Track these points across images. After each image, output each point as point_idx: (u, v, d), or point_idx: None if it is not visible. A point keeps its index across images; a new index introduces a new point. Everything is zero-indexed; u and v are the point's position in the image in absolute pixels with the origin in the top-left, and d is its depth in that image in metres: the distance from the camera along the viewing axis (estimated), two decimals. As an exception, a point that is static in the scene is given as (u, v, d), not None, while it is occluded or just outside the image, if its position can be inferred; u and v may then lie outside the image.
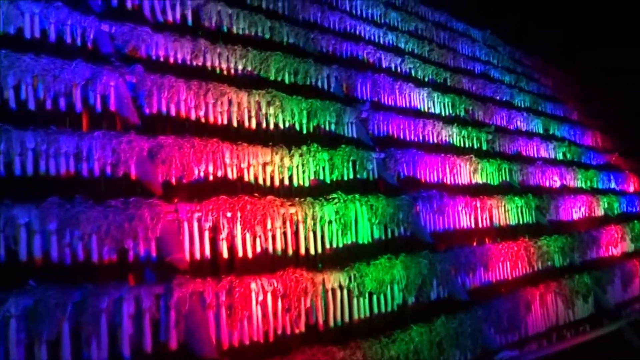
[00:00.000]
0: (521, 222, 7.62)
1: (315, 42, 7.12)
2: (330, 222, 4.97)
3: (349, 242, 5.13)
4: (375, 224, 5.39)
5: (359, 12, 8.76)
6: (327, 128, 6.11)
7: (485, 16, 13.50)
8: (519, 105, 11.03)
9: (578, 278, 6.94)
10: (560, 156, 10.50)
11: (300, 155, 5.21)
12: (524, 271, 6.67)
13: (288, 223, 4.64)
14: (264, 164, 4.94)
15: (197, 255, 3.95)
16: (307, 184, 5.27)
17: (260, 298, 3.86)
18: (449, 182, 7.09)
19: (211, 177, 4.49)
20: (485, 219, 6.97)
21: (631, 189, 12.05)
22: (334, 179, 5.54)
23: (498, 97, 10.52)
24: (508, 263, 6.42)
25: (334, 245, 4.99)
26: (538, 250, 6.89)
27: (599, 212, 9.69)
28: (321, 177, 5.44)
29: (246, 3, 6.72)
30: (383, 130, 6.83)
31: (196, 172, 4.37)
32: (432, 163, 6.86)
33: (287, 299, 4.01)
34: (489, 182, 7.84)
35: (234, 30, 6.21)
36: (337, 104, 6.21)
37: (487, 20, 13.26)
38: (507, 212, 7.37)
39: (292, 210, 4.67)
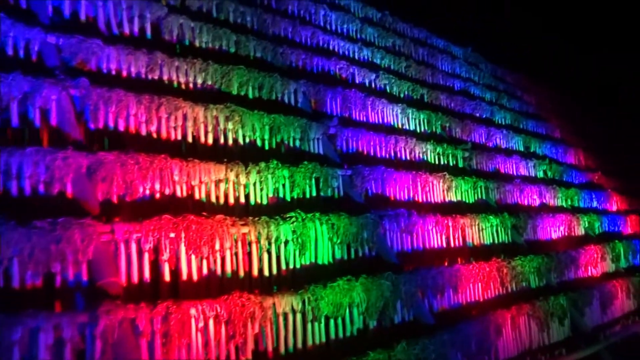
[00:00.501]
0: (496, 241, 7.43)
1: (284, 57, 6.97)
2: (286, 242, 4.76)
3: (308, 263, 4.91)
4: (337, 243, 5.19)
5: (333, 28, 8.65)
6: (292, 144, 5.92)
7: (468, 33, 13.50)
8: (500, 122, 10.92)
9: (553, 300, 6.73)
10: (540, 174, 10.36)
11: (258, 172, 5.01)
12: (497, 292, 6.46)
13: (240, 243, 4.43)
14: (218, 181, 4.73)
15: (135, 279, 3.72)
16: (265, 202, 5.07)
17: (201, 324, 3.62)
18: (420, 200, 6.90)
19: (158, 196, 4.28)
20: (458, 238, 6.78)
21: (614, 208, 11.92)
22: (295, 197, 5.34)
23: (478, 114, 10.41)
24: (479, 284, 6.21)
25: (291, 267, 4.77)
26: (512, 270, 6.69)
27: (579, 231, 9.52)
28: (281, 195, 5.23)
29: (212, 17, 6.59)
30: (352, 146, 6.65)
31: (141, 190, 4.16)
32: (403, 180, 6.68)
33: (232, 324, 3.77)
34: (464, 200, 7.66)
35: (197, 43, 6.05)
36: (302, 119, 6.03)
37: (470, 37, 13.25)
38: (481, 231, 7.18)
39: (245, 229, 4.46)
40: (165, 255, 3.86)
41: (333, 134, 6.45)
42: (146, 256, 3.80)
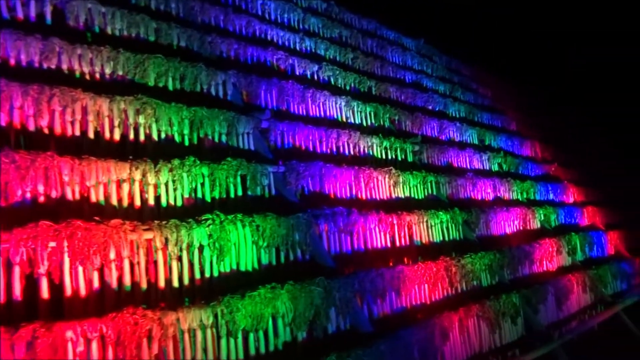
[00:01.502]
0: (447, 238, 7.06)
1: (213, 46, 6.44)
2: (202, 247, 4.24)
3: (228, 270, 4.40)
4: (264, 247, 4.69)
5: (272, 17, 8.15)
6: (217, 139, 5.40)
7: (422, 25, 13.19)
8: (453, 115, 10.61)
9: (505, 298, 6.38)
10: (495, 167, 10.07)
11: (170, 170, 4.47)
12: (445, 294, 6.07)
13: (143, 251, 3.89)
14: (121, 182, 4.18)
15: (1, 298, 3.14)
16: (180, 204, 4.53)
17: (80, 349, 3.07)
18: (364, 197, 6.47)
19: (42, 199, 3.70)
20: (404, 236, 6.37)
21: (570, 200, 11.76)
22: (217, 197, 4.82)
23: (430, 107, 10.07)
24: (426, 286, 5.80)
25: (207, 275, 4.25)
26: (461, 269, 6.31)
27: (535, 224, 9.27)
28: (200, 195, 4.70)
29: (130, 2, 6.00)
30: (288, 141, 6.17)
31: (19, 193, 3.58)
32: (344, 176, 6.23)
33: (122, 346, 3.23)
34: (412, 196, 7.27)
35: (109, 31, 5.46)
36: (229, 112, 5.51)
37: (424, 29, 12.95)
38: (430, 228, 6.79)
39: (148, 235, 3.92)
40: (42, 268, 3.29)
41: (265, 128, 5.95)
42: (17, 270, 3.23)
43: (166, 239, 4.00)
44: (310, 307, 4.40)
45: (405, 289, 5.49)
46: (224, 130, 5.45)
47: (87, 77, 4.85)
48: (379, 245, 5.96)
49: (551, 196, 11.04)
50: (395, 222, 6.21)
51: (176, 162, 4.51)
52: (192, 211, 4.49)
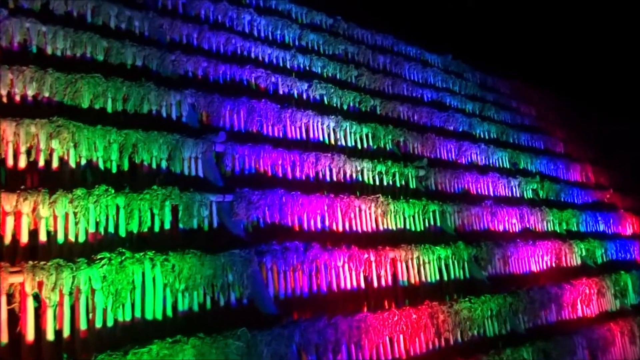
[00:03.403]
0: (446, 278, 6.04)
1: (176, 65, 5.94)
2: (93, 291, 3.62)
3: (129, 319, 3.74)
4: (181, 290, 4.00)
5: (262, 34, 7.60)
6: (154, 165, 4.82)
7: (455, 40, 12.23)
8: (481, 136, 9.53)
9: (510, 353, 5.27)
10: (529, 194, 8.86)
11: (71, 201, 3.91)
12: (431, 346, 5.06)
13: (14, 297, 3.32)
14: (4, 214, 3.66)
15: None
16: (82, 240, 3.95)
17: None
18: (340, 229, 5.63)
19: None
20: (385, 276, 5.45)
21: (628, 232, 10.19)
22: (135, 231, 4.20)
23: (451, 127, 9.06)
24: (402, 337, 4.84)
25: (98, 325, 3.60)
26: (453, 316, 5.27)
27: (573, 261, 7.94)
28: (111, 230, 4.10)
29: (85, 22, 5.65)
30: (250, 166, 5.49)
31: None
32: (314, 206, 5.44)
33: None
34: (409, 227, 6.33)
35: (49, 50, 5.10)
36: (171, 135, 4.93)
37: (457, 44, 11.99)
38: (422, 266, 5.81)
39: (16, 279, 3.35)
40: None
41: (221, 152, 5.32)
42: None
43: (43, 283, 3.42)
44: (223, 366, 3.63)
45: (370, 342, 4.56)
46: (164, 155, 4.87)
47: (4, 99, 4.45)
48: (349, 286, 5.09)
49: (601, 227, 9.59)
50: (372, 258, 5.32)
51: (79, 192, 3.95)
52: (98, 248, 3.89)
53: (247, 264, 4.33)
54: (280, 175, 5.71)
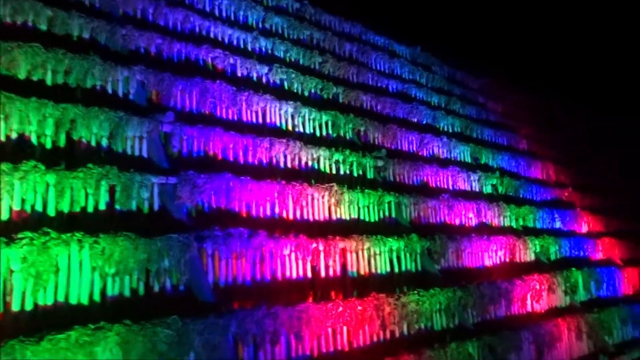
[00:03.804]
0: (397, 270, 5.98)
1: (127, 40, 5.68)
2: (12, 272, 3.41)
3: (51, 303, 3.54)
4: (111, 275, 3.81)
5: (224, 14, 7.37)
6: (94, 142, 4.59)
7: (426, 33, 12.15)
8: (445, 129, 9.50)
9: (456, 347, 5.24)
10: (488, 189, 8.87)
11: (-6, 176, 3.68)
12: (375, 339, 4.99)
13: None
14: None
15: None
16: (5, 217, 3.73)
17: None
18: (290, 217, 5.50)
19: None
20: (334, 266, 5.35)
21: (583, 230, 10.33)
22: (66, 211, 3.99)
23: (415, 119, 9.01)
24: (345, 328, 4.76)
25: (16, 309, 3.40)
26: (400, 309, 5.21)
27: (527, 256, 8.00)
28: (40, 208, 3.88)
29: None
30: (199, 149, 5.30)
31: None
32: (264, 192, 5.29)
33: None
34: (363, 218, 6.24)
35: (-15, 16, 4.80)
36: (114, 112, 4.70)
37: (429, 37, 11.91)
38: (373, 257, 5.74)
39: None
40: None
41: (168, 133, 5.11)
42: None
43: (-47, 262, 3.20)
44: (150, 355, 3.47)
45: (311, 333, 4.46)
46: (106, 132, 4.64)
47: None
48: (295, 276, 4.97)
49: (557, 224, 9.69)
50: (321, 248, 5.21)
51: (4, 166, 3.72)
52: (22, 227, 3.67)
53: (185, 249, 4.17)
54: (232, 159, 5.54)
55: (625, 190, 13.23)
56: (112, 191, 4.30)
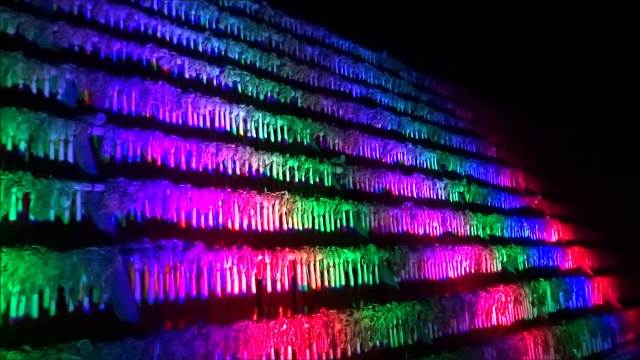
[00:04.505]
0: (352, 284, 5.62)
1: (59, 37, 5.26)
2: None
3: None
4: (15, 293, 3.38)
5: (173, 14, 6.99)
6: (10, 146, 4.16)
7: (391, 37, 11.92)
8: (410, 135, 9.23)
9: (412, 366, 4.90)
10: (455, 197, 8.60)
11: None
12: (324, 359, 4.62)
13: None
14: None
15: None
16: None
17: None
18: (236, 228, 5.12)
19: None
20: (282, 280, 4.97)
21: (553, 238, 10.14)
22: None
23: (379, 125, 8.71)
24: (289, 348, 4.37)
25: None
26: (353, 325, 4.85)
27: (494, 267, 7.72)
28: None
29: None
30: (134, 154, 4.89)
31: None
32: (206, 201, 4.90)
33: None
34: (318, 228, 5.88)
35: None
36: (34, 114, 4.28)
37: (393, 41, 11.68)
38: (326, 270, 5.37)
39: None
40: None
41: (100, 136, 4.70)
42: None
43: None
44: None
45: (250, 354, 4.07)
46: (25, 135, 4.22)
47: None
48: (237, 291, 4.58)
49: (526, 233, 9.47)
50: (268, 260, 4.83)
51: None
52: None
53: (106, 264, 3.75)
54: (173, 165, 5.14)
55: (595, 198, 13.16)
56: (27, 200, 3.87)
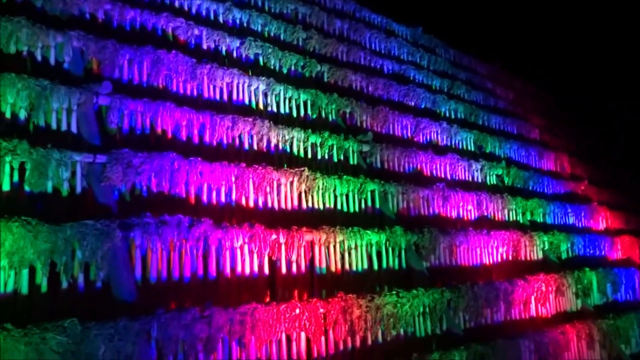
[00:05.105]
0: (376, 268, 5.23)
1: (69, 4, 5.01)
2: None
3: None
4: (1, 268, 3.16)
5: (194, -17, 6.68)
6: (9, 114, 3.94)
7: (426, 14, 11.32)
8: (446, 115, 8.70)
9: (438, 357, 4.48)
10: (493, 179, 8.05)
11: None
12: (341, 347, 4.26)
13: None
14: None
15: None
16: None
17: None
18: (251, 205, 4.80)
19: None
20: (299, 262, 4.63)
21: (600, 227, 9.43)
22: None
23: (412, 103, 8.22)
24: (302, 334, 4.03)
25: None
26: (374, 312, 4.47)
27: (533, 254, 7.16)
28: None
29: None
30: (144, 125, 4.62)
31: None
32: (218, 176, 4.59)
33: None
34: (340, 208, 5.50)
35: None
36: (35, 80, 4.05)
37: (430, 19, 11.09)
38: (347, 252, 4.99)
39: None
40: None
41: (105, 106, 4.44)
42: None
43: None
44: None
45: (258, 340, 3.75)
46: (24, 104, 3.99)
47: None
48: (248, 272, 4.26)
49: (571, 220, 8.82)
50: (282, 240, 4.49)
51: None
52: None
53: (103, 239, 3.49)
54: (184, 138, 4.85)
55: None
56: (22, 170, 3.65)
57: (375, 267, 5.19)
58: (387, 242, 5.32)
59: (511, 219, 7.52)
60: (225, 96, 5.62)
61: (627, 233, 9.65)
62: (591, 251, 8.39)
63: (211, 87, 5.52)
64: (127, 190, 4.09)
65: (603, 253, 8.68)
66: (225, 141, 5.13)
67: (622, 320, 6.90)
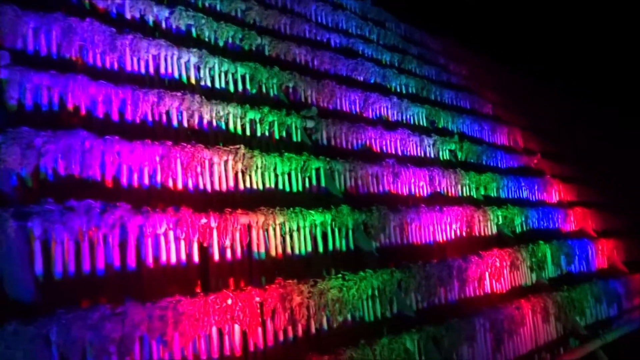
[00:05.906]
0: (322, 250, 4.88)
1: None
2: None
3: None
4: None
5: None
6: None
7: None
8: (397, 90, 8.40)
9: (388, 343, 4.18)
10: (446, 154, 7.82)
11: None
12: (278, 338, 3.90)
13: None
14: None
15: None
16: None
17: None
18: (179, 188, 4.35)
19: None
20: (234, 247, 4.23)
21: (554, 199, 9.38)
22: None
23: (360, 78, 7.87)
24: (236, 327, 3.65)
25: None
26: (317, 298, 4.11)
27: (488, 229, 6.98)
28: None
29: None
30: (51, 101, 4.09)
31: None
32: (139, 156, 4.12)
33: None
34: (281, 188, 5.11)
35: None
36: None
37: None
38: (289, 235, 4.62)
39: None
40: None
41: (3, 80, 3.89)
42: None
43: None
44: None
45: (184, 336, 3.34)
46: None
47: None
48: (174, 261, 3.83)
49: (525, 194, 8.70)
50: (214, 225, 4.07)
51: None
52: None
53: (-6, 230, 3.00)
54: (101, 116, 4.34)
55: (599, 157, 12.37)
56: None
57: (321, 249, 4.84)
58: (333, 223, 4.98)
59: (465, 194, 7.31)
60: (151, 70, 5.11)
61: (580, 205, 9.64)
62: (545, 224, 8.30)
63: (135, 59, 4.98)
64: (29, 174, 3.58)
65: (557, 225, 8.61)
66: (150, 118, 4.64)
67: (576, 291, 6.80)
